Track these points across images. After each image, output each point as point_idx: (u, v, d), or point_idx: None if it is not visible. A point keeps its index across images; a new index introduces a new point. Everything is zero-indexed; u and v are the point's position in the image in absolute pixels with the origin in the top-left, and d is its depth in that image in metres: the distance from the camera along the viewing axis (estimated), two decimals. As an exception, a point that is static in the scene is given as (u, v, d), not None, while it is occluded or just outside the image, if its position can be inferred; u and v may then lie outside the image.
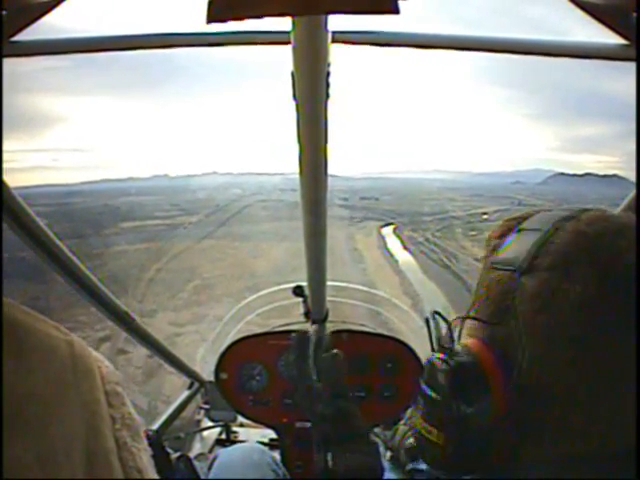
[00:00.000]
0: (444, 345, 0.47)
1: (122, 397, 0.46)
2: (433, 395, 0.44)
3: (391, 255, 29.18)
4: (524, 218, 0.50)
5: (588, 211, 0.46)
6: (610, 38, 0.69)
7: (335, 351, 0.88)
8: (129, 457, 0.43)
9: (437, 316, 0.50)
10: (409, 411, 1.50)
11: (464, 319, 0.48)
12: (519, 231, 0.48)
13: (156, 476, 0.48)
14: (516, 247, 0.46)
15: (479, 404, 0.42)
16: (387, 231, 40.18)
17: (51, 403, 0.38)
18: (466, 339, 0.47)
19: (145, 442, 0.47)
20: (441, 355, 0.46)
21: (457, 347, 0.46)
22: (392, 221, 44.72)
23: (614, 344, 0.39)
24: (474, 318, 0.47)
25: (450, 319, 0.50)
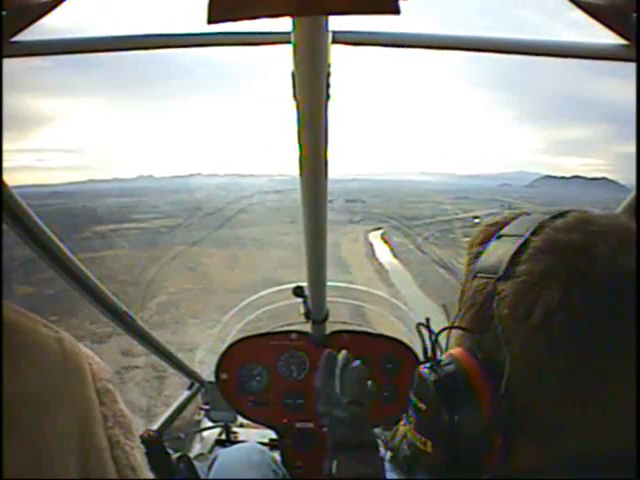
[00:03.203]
0: (430, 355, 0.48)
1: (114, 394, 0.45)
2: (421, 405, 0.45)
3: (380, 265, 27.72)
4: (504, 223, 0.50)
5: (567, 213, 0.45)
6: (610, 38, 0.69)
7: (358, 363, 0.95)
8: (122, 455, 0.43)
9: (422, 327, 0.51)
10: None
11: (449, 329, 0.48)
12: (499, 237, 0.48)
13: (150, 474, 0.47)
14: (496, 253, 0.46)
15: (465, 412, 0.42)
16: (375, 237, 38.55)
17: (43, 402, 0.37)
18: (453, 348, 0.48)
19: (138, 440, 0.46)
20: (428, 365, 0.47)
21: (444, 357, 0.47)
22: (380, 225, 43.62)
23: (589, 350, 0.39)
24: (459, 327, 0.47)
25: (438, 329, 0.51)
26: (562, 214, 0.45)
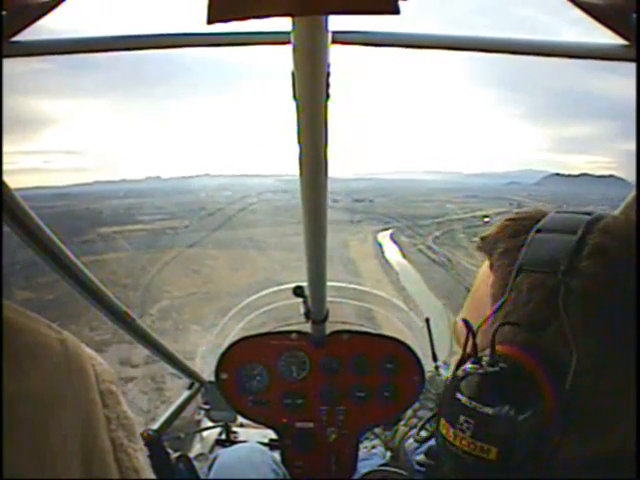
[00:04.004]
0: (479, 355, 0.45)
1: (117, 396, 0.45)
2: (485, 409, 0.41)
3: (390, 266, 27.29)
4: (532, 219, 0.50)
5: (607, 215, 0.47)
6: (610, 38, 0.69)
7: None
8: (125, 458, 0.43)
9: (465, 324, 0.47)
10: (409, 412, 1.50)
11: (507, 324, 0.45)
12: (537, 231, 0.47)
13: (153, 476, 0.47)
14: (543, 248, 0.45)
15: (530, 412, 0.41)
16: (384, 237, 38.22)
17: (45, 403, 0.37)
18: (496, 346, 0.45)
19: (141, 442, 0.46)
20: (478, 366, 0.44)
21: (490, 356, 0.44)
22: (388, 226, 43.29)
23: None
24: (515, 323, 0.45)
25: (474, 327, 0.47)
26: (602, 215, 0.47)
